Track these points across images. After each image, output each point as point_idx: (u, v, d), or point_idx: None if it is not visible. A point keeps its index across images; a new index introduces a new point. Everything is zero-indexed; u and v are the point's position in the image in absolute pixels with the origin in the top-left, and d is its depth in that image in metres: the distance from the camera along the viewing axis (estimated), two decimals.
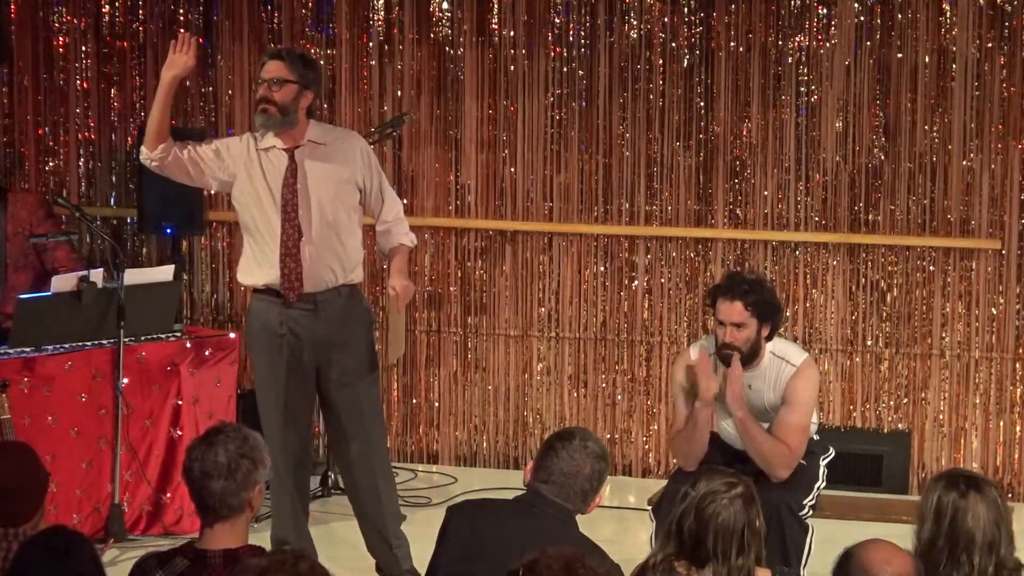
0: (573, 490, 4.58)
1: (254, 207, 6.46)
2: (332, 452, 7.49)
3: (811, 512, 6.14)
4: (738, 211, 8.34)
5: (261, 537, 5.68)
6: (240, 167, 6.48)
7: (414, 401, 8.73)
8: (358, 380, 6.52)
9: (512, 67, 8.48)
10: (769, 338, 6.16)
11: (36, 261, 7.65)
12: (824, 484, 6.28)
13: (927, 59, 8.10)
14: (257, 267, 6.49)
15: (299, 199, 6.38)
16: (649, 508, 6.35)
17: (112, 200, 8.93)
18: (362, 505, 6.65)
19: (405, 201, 8.57)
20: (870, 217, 8.21)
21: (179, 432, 7.30)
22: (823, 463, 6.32)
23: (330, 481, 7.99)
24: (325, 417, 6.70)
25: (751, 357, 6.13)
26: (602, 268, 8.51)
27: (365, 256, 6.70)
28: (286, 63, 6.43)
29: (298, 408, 6.53)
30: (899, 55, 8.13)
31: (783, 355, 6.18)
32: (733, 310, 6.06)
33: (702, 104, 8.32)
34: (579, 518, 4.64)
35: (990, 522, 4.44)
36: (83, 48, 8.86)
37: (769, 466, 6.03)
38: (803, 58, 8.21)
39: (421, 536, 6.76)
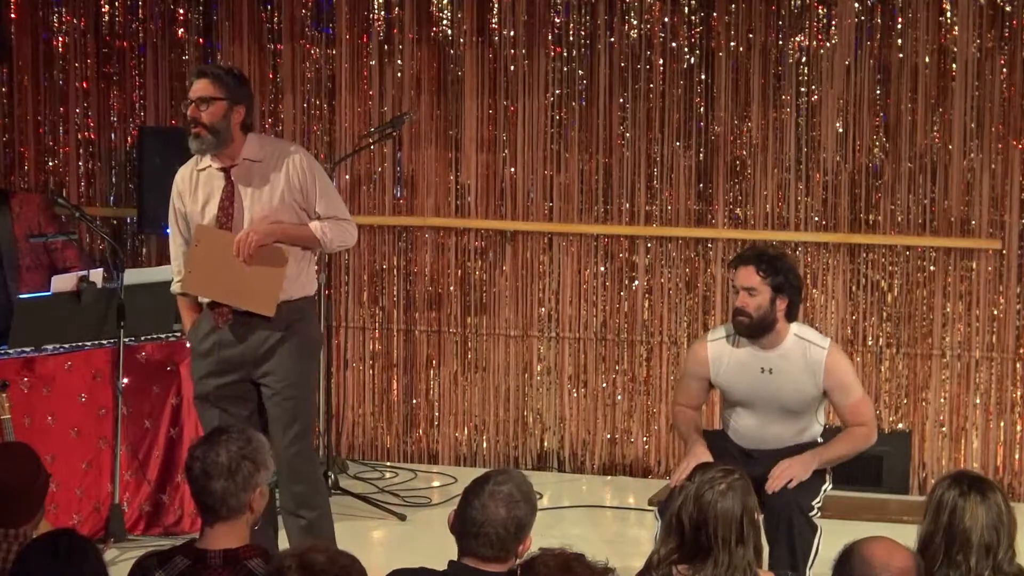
0: (489, 539, 4.24)
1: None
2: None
3: (819, 513, 6.16)
4: (738, 211, 8.33)
5: None
6: (187, 202, 6.31)
7: (414, 401, 8.72)
8: (288, 394, 6.29)
9: (512, 67, 8.48)
10: (789, 317, 6.19)
11: (47, 260, 7.65)
12: (831, 485, 6.30)
13: (927, 59, 8.10)
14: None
15: (233, 223, 6.21)
16: (655, 508, 6.34)
17: (112, 200, 8.92)
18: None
19: (403, 201, 8.58)
20: (870, 217, 8.21)
21: (178, 432, 7.30)
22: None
23: (328, 481, 7.98)
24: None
25: (762, 329, 6.15)
26: (602, 268, 8.50)
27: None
28: (211, 80, 6.19)
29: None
30: (899, 55, 8.12)
31: (807, 337, 6.23)
32: (746, 274, 6.16)
33: (702, 104, 8.32)
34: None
35: (988, 525, 4.46)
36: (83, 48, 8.86)
37: (861, 449, 6.27)
38: (803, 58, 8.20)
39: (421, 536, 6.77)
